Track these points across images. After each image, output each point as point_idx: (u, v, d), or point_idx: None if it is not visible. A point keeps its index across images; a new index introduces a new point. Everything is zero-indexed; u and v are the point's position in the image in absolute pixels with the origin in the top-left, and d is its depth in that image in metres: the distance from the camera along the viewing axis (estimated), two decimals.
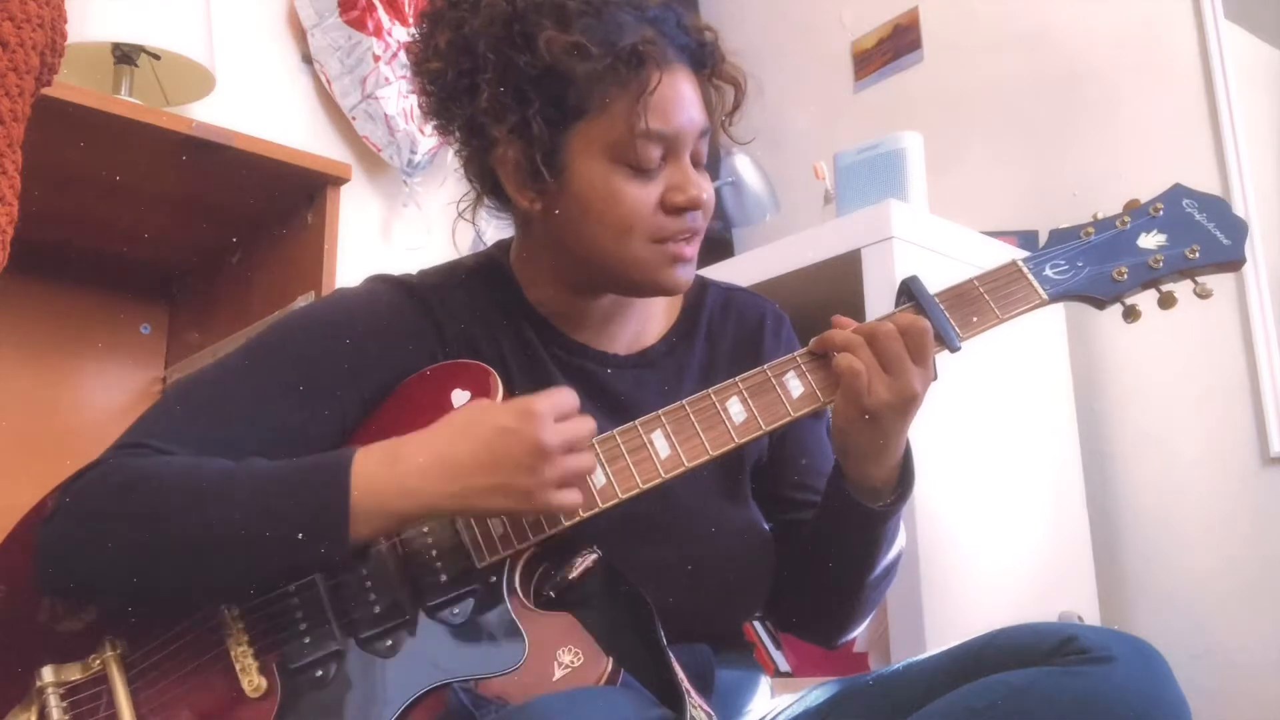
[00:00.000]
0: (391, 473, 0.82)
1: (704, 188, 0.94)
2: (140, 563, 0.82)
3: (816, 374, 0.90)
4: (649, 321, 1.05)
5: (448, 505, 0.83)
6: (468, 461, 0.81)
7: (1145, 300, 0.95)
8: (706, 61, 0.97)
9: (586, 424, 0.84)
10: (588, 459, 0.84)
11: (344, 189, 1.87)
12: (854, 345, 0.88)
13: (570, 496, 0.83)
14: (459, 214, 1.04)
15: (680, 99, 0.92)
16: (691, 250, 0.95)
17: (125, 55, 1.94)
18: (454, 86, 0.94)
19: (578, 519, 0.86)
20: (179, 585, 0.83)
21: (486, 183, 0.99)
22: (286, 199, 1.87)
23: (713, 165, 2.49)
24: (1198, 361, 1.83)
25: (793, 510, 1.05)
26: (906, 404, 0.87)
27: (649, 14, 0.93)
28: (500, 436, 0.81)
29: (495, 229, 1.14)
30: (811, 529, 1.00)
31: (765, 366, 0.91)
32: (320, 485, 0.82)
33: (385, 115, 2.32)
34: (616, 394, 0.99)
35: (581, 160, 0.92)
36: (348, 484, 0.81)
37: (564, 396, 0.84)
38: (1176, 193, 0.97)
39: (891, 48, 2.42)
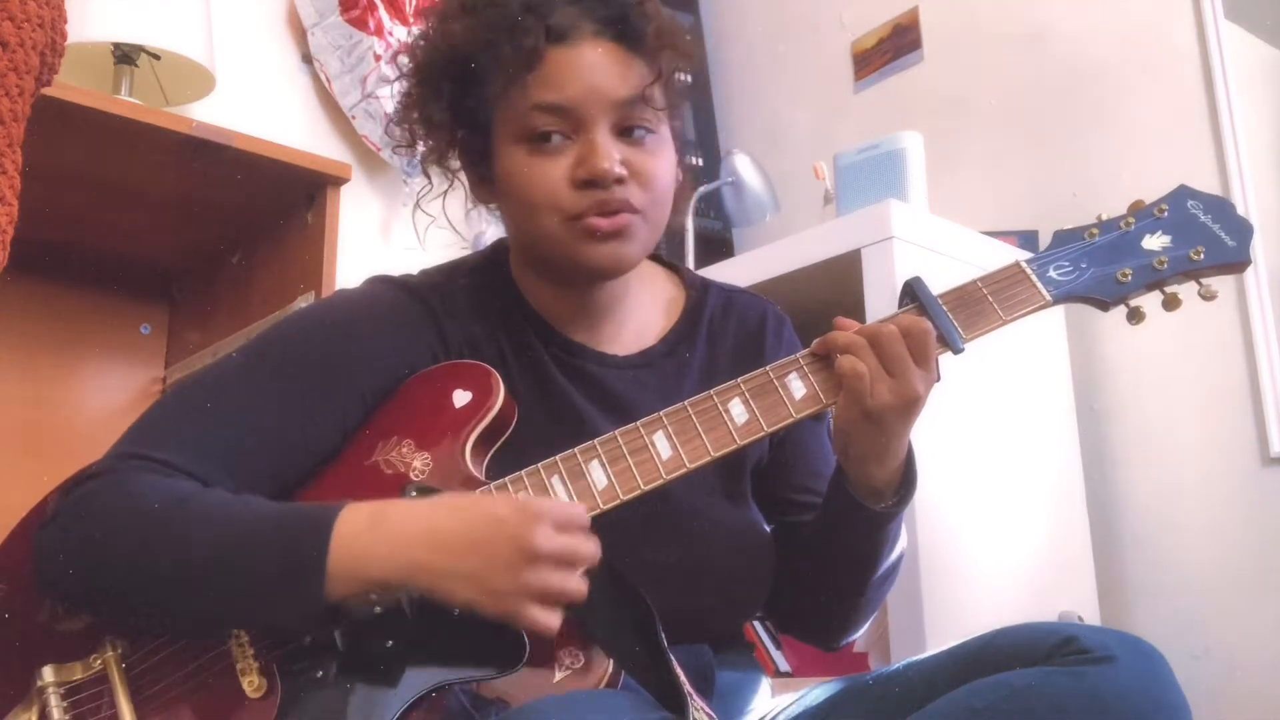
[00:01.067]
0: (373, 536, 0.79)
1: (615, 159, 0.90)
2: (129, 583, 0.82)
3: (819, 375, 0.90)
4: (649, 322, 1.05)
5: (419, 580, 0.78)
6: (451, 541, 0.78)
7: (1149, 302, 0.95)
8: (630, 34, 0.93)
9: (586, 546, 0.79)
10: (577, 584, 0.77)
11: (344, 189, 1.87)
12: (857, 347, 0.87)
13: (544, 617, 0.76)
14: (416, 204, 1.07)
15: (580, 70, 0.91)
16: (611, 224, 0.91)
17: (125, 55, 1.94)
18: (401, 102, 0.99)
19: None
20: (164, 612, 0.83)
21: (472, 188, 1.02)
22: (286, 199, 1.87)
23: (712, 165, 2.49)
24: (1198, 362, 1.83)
25: (793, 512, 1.05)
26: (909, 405, 0.87)
27: None
28: (491, 525, 0.78)
29: (494, 232, 1.14)
30: (813, 530, 1.00)
31: (768, 368, 0.91)
32: (301, 541, 0.79)
33: (385, 114, 2.31)
34: (616, 395, 0.99)
35: (501, 148, 0.94)
36: (328, 543, 0.78)
37: (573, 510, 0.80)
38: (1181, 194, 0.97)
39: (891, 48, 2.42)
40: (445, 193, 1.05)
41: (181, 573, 0.80)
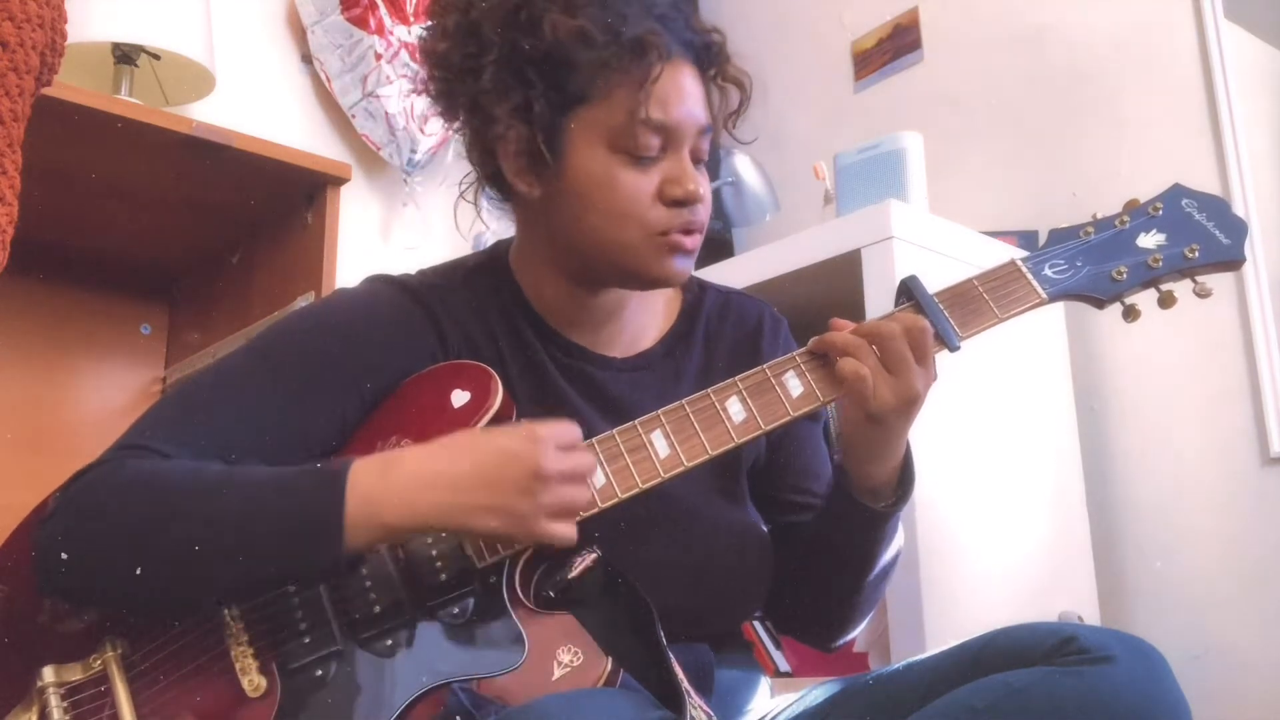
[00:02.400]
0: (387, 484, 0.81)
1: (702, 184, 0.94)
2: (135, 565, 0.81)
3: (815, 373, 0.90)
4: (647, 324, 1.05)
5: (441, 521, 0.81)
6: (465, 479, 0.80)
7: (1145, 300, 0.95)
8: (711, 61, 0.97)
9: (587, 458, 0.84)
10: (585, 493, 0.83)
11: (344, 189, 1.87)
12: (857, 348, 0.88)
13: (563, 529, 0.81)
14: (460, 195, 1.04)
15: (682, 92, 0.93)
16: (692, 243, 0.95)
17: (125, 55, 1.94)
18: (459, 68, 0.95)
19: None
20: (173, 589, 0.83)
21: (488, 168, 0.99)
22: (286, 199, 1.87)
23: (713, 165, 2.49)
24: (1198, 361, 1.83)
25: (790, 512, 1.05)
26: (910, 405, 0.88)
27: (656, 10, 0.93)
28: (500, 457, 0.80)
29: (494, 232, 1.14)
30: (812, 530, 1.00)
31: (764, 366, 0.91)
32: (316, 493, 0.81)
33: (386, 114, 2.31)
34: (614, 396, 0.99)
35: (581, 146, 0.93)
36: (344, 493, 0.80)
37: (568, 429, 0.83)
38: (1176, 192, 0.97)
39: (891, 48, 2.42)
40: (478, 184, 1.02)
41: (197, 538, 0.80)
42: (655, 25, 0.92)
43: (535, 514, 0.80)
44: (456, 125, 1.00)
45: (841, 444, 0.93)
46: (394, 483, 0.81)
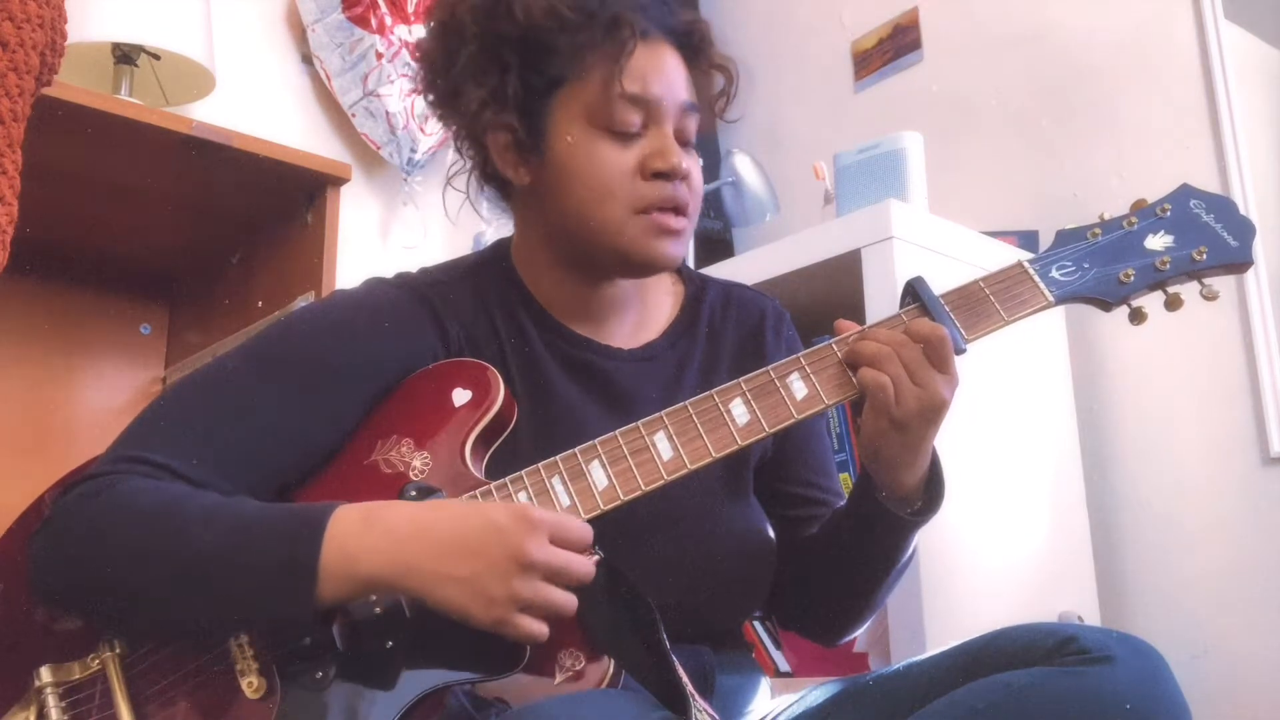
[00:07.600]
0: (366, 534, 0.78)
1: (686, 160, 0.94)
2: (117, 592, 0.81)
3: (820, 376, 0.90)
4: (651, 316, 1.05)
5: (411, 584, 0.77)
6: (444, 545, 0.77)
7: (1151, 302, 0.95)
8: (693, 47, 0.98)
9: (583, 563, 0.79)
10: (566, 597, 0.78)
11: (343, 189, 1.87)
12: (884, 357, 0.87)
13: (533, 626, 0.77)
14: (448, 181, 1.05)
15: (661, 68, 0.94)
16: (678, 224, 0.94)
17: (125, 55, 1.94)
18: (443, 63, 0.97)
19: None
20: (155, 619, 0.82)
21: (479, 160, 1.01)
22: (286, 199, 1.87)
23: (712, 165, 2.49)
24: (1198, 362, 1.83)
25: (795, 506, 1.05)
26: (935, 411, 0.87)
27: None
28: (488, 531, 0.77)
29: (495, 230, 1.14)
30: (832, 529, 1.01)
31: (769, 368, 0.90)
32: (294, 538, 0.79)
33: (386, 113, 2.31)
34: (618, 388, 0.99)
35: (563, 127, 0.94)
36: (321, 541, 0.78)
37: (574, 525, 0.79)
38: (1184, 193, 0.96)
39: (891, 48, 2.42)
40: (471, 171, 1.04)
41: (175, 575, 0.79)
42: (631, 4, 0.93)
43: (506, 601, 0.76)
44: (450, 127, 1.01)
45: (866, 450, 0.92)
46: (374, 535, 0.78)
